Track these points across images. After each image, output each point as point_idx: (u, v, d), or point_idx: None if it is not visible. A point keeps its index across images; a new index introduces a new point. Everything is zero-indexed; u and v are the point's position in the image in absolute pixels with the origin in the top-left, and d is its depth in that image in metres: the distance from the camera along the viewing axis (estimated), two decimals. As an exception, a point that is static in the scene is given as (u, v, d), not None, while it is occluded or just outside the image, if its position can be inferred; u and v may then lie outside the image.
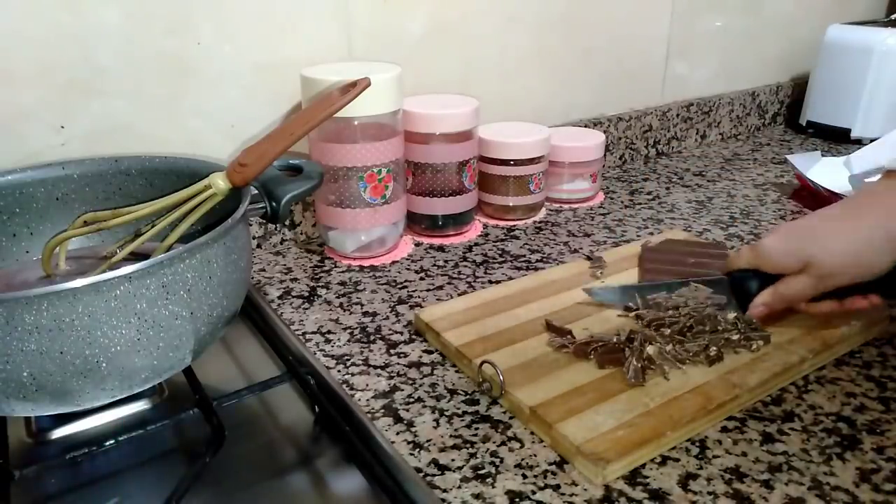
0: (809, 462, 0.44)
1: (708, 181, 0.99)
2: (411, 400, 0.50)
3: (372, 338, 0.59)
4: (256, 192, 0.54)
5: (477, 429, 0.47)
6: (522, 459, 0.44)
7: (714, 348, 0.52)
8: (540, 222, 0.84)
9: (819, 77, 1.18)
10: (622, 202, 0.91)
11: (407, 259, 0.74)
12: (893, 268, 0.50)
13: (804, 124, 1.22)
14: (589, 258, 0.70)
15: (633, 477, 0.43)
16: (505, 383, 0.49)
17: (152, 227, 0.52)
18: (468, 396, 0.51)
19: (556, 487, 0.42)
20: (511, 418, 0.48)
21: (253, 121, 0.73)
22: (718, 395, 0.48)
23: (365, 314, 0.62)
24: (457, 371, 0.54)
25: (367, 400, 0.50)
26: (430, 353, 0.56)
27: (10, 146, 0.61)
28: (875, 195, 0.52)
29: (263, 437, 0.49)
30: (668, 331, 0.53)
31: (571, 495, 0.41)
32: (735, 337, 0.53)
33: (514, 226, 0.83)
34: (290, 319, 0.62)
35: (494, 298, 0.61)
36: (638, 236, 0.79)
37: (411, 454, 0.45)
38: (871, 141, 1.01)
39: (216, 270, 0.45)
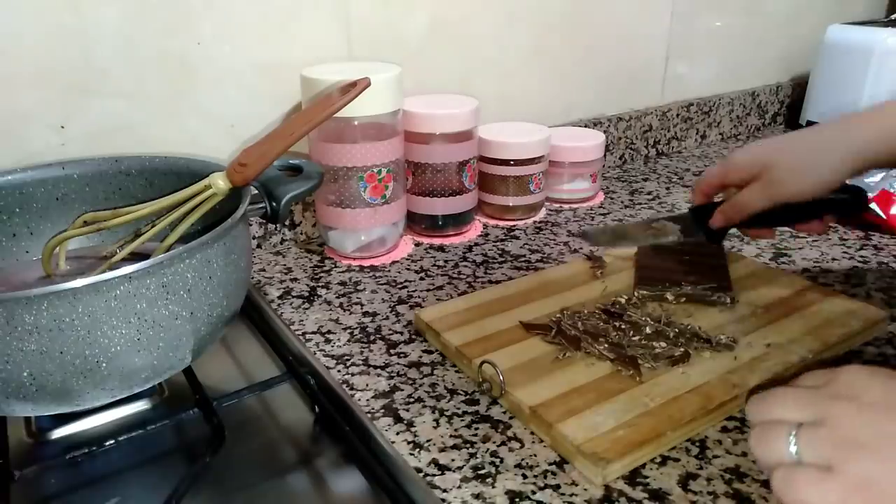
0: (809, 462, 0.44)
1: (708, 181, 0.99)
2: (411, 400, 0.50)
3: (372, 338, 0.59)
4: (256, 192, 0.54)
5: (477, 429, 0.47)
6: (522, 459, 0.44)
7: (680, 350, 0.52)
8: (540, 222, 0.84)
9: (819, 77, 1.18)
10: (622, 202, 0.91)
11: (407, 259, 0.74)
12: (839, 199, 0.52)
13: (804, 124, 1.22)
14: (589, 258, 0.70)
15: (633, 477, 0.43)
16: (505, 383, 0.49)
17: (152, 227, 0.52)
18: (468, 396, 0.51)
19: (556, 487, 0.42)
20: (511, 418, 0.48)
21: (253, 121, 0.73)
22: (718, 395, 0.48)
23: (365, 314, 0.62)
24: (457, 371, 0.54)
25: (367, 400, 0.50)
26: (430, 353, 0.56)
27: (10, 146, 0.61)
28: (844, 116, 0.52)
29: (263, 437, 0.49)
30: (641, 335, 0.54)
31: (571, 495, 0.41)
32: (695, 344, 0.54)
33: (514, 226, 0.83)
34: (290, 319, 0.62)
35: (494, 298, 0.61)
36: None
37: (411, 454, 0.45)
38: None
39: (216, 270, 0.45)
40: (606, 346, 0.52)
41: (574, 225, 0.83)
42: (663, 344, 0.52)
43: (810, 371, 0.35)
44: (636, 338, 0.53)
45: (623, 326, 0.55)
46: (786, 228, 0.74)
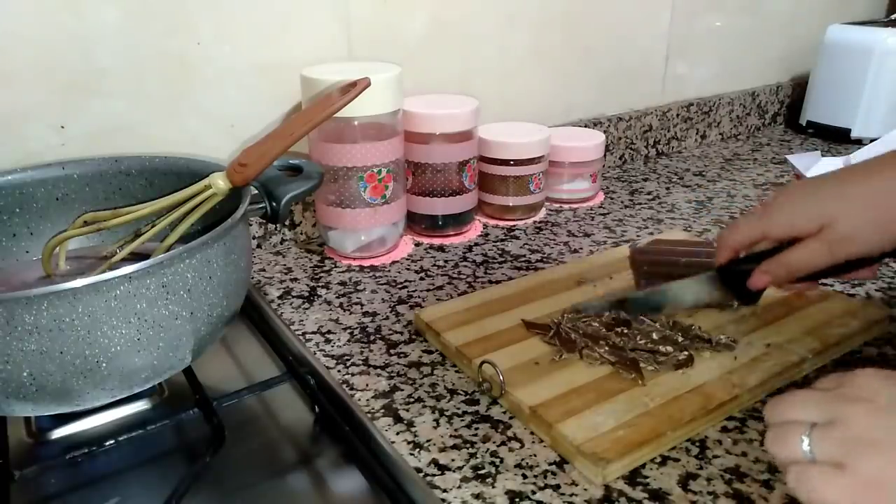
0: (809, 462, 0.44)
1: (708, 181, 0.99)
2: (411, 400, 0.50)
3: (372, 338, 0.59)
4: (256, 192, 0.54)
5: (477, 429, 0.47)
6: (522, 459, 0.44)
7: (685, 353, 0.51)
8: (540, 222, 0.84)
9: (819, 77, 1.18)
10: (622, 202, 0.91)
11: (407, 259, 0.74)
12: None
13: (804, 124, 1.22)
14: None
15: (633, 477, 0.43)
16: (505, 383, 0.49)
17: (152, 227, 0.52)
18: (468, 396, 0.51)
19: (556, 487, 0.42)
20: (511, 418, 0.48)
21: (253, 121, 0.73)
22: (718, 395, 0.48)
23: (365, 314, 0.62)
24: (457, 371, 0.54)
25: (367, 400, 0.50)
26: (430, 353, 0.56)
27: (10, 146, 0.61)
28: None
29: (263, 437, 0.49)
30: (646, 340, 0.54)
31: (571, 495, 0.41)
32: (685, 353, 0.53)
33: (514, 226, 0.83)
34: (290, 319, 0.62)
35: (494, 298, 0.61)
36: (638, 236, 0.79)
37: (411, 454, 0.45)
38: (871, 141, 1.01)
39: (216, 270, 0.45)
40: (607, 349, 0.52)
41: (574, 225, 0.83)
42: (669, 348, 0.52)
43: (826, 375, 0.35)
44: (642, 342, 0.53)
45: (626, 331, 0.54)
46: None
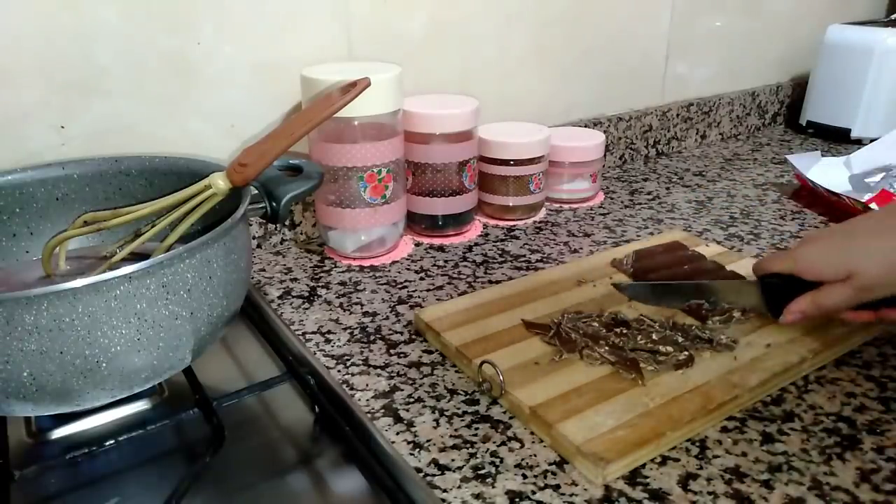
0: (809, 462, 0.44)
1: (708, 181, 0.99)
2: (411, 400, 0.50)
3: (372, 338, 0.59)
4: (256, 192, 0.54)
5: (477, 429, 0.47)
6: (522, 459, 0.44)
7: (685, 353, 0.52)
8: (540, 222, 0.84)
9: (819, 77, 1.18)
10: (622, 202, 0.91)
11: (407, 259, 0.74)
12: None
13: (804, 124, 1.22)
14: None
15: (633, 477, 0.43)
16: (505, 383, 0.49)
17: (152, 227, 0.52)
18: (468, 396, 0.51)
19: (556, 487, 0.42)
20: (511, 418, 0.48)
21: (253, 121, 0.73)
22: (718, 395, 0.48)
23: (365, 314, 0.62)
24: (457, 371, 0.54)
25: (367, 400, 0.50)
26: (430, 353, 0.56)
27: (10, 146, 0.61)
28: None
29: (263, 437, 0.49)
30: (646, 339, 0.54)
31: (571, 495, 0.41)
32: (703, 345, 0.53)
33: (514, 226, 0.83)
34: (290, 319, 0.62)
35: (494, 298, 0.61)
36: (638, 236, 0.79)
37: (411, 454, 0.45)
38: (871, 141, 1.01)
39: (216, 270, 0.45)
40: (607, 349, 0.52)
41: (574, 225, 0.83)
42: (669, 348, 0.52)
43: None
44: (643, 342, 0.53)
45: (625, 332, 0.54)
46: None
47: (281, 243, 0.78)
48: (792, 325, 0.54)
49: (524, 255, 0.74)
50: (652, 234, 0.80)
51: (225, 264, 0.46)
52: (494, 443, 0.46)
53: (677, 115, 1.12)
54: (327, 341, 0.58)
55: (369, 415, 0.49)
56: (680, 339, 0.53)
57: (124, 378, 0.43)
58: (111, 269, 0.44)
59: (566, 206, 0.89)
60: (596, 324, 0.55)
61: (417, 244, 0.78)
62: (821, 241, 0.53)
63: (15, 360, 0.38)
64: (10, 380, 0.39)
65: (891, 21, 1.21)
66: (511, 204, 0.83)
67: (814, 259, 0.52)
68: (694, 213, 0.86)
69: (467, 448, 0.45)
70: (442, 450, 0.45)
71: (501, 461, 0.44)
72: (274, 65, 0.72)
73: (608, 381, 0.49)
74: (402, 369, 0.54)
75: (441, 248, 0.76)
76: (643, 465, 0.44)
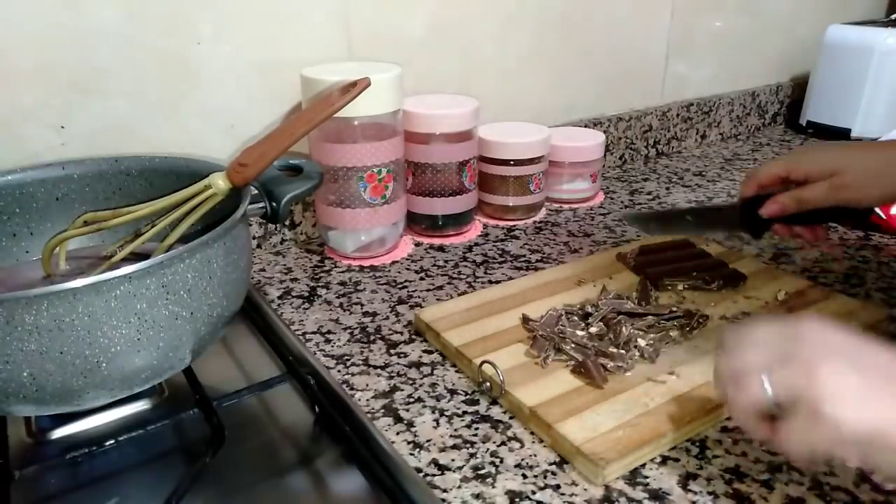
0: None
1: (708, 181, 0.99)
2: (411, 400, 0.50)
3: (372, 338, 0.59)
4: (256, 192, 0.54)
5: (477, 429, 0.47)
6: (522, 459, 0.44)
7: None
8: (540, 222, 0.84)
9: (819, 77, 1.18)
10: (622, 202, 0.91)
11: (407, 259, 0.74)
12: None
13: (804, 124, 1.22)
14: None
15: (633, 477, 0.43)
16: (505, 383, 0.49)
17: (152, 227, 0.52)
18: (468, 396, 0.51)
19: (556, 487, 0.42)
20: (511, 418, 0.48)
21: (253, 121, 0.73)
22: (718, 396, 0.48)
23: (365, 314, 0.62)
24: (457, 371, 0.54)
25: (367, 400, 0.50)
26: (430, 353, 0.56)
27: (10, 146, 0.61)
28: None
29: (263, 437, 0.49)
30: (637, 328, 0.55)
31: (571, 495, 0.41)
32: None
33: (514, 226, 0.83)
34: (290, 319, 0.62)
35: (495, 298, 0.61)
36: (638, 236, 0.79)
37: (411, 454, 0.45)
38: (871, 141, 1.01)
39: (216, 270, 0.45)
40: (573, 345, 0.52)
41: (574, 225, 0.83)
42: (651, 337, 0.53)
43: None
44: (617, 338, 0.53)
45: (611, 336, 0.54)
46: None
47: (281, 243, 0.78)
48: (773, 215, 0.57)
49: (524, 255, 0.74)
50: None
51: (225, 264, 0.46)
52: (494, 443, 0.46)
53: (677, 115, 1.12)
54: (327, 341, 0.58)
55: (369, 415, 0.49)
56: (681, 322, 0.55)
57: (124, 378, 0.43)
58: (111, 269, 0.43)
59: (566, 206, 0.89)
60: (576, 317, 0.56)
61: (417, 244, 0.78)
62: (811, 147, 0.58)
63: (15, 360, 0.38)
64: (10, 380, 0.39)
65: (891, 21, 1.21)
66: (511, 204, 0.83)
67: (801, 159, 0.57)
68: (694, 213, 0.86)
69: (467, 448, 0.45)
70: (442, 450, 0.45)
71: (501, 461, 0.44)
72: (274, 65, 0.72)
73: (608, 381, 0.49)
74: (402, 369, 0.54)
75: (441, 248, 0.76)
76: (643, 465, 0.44)
